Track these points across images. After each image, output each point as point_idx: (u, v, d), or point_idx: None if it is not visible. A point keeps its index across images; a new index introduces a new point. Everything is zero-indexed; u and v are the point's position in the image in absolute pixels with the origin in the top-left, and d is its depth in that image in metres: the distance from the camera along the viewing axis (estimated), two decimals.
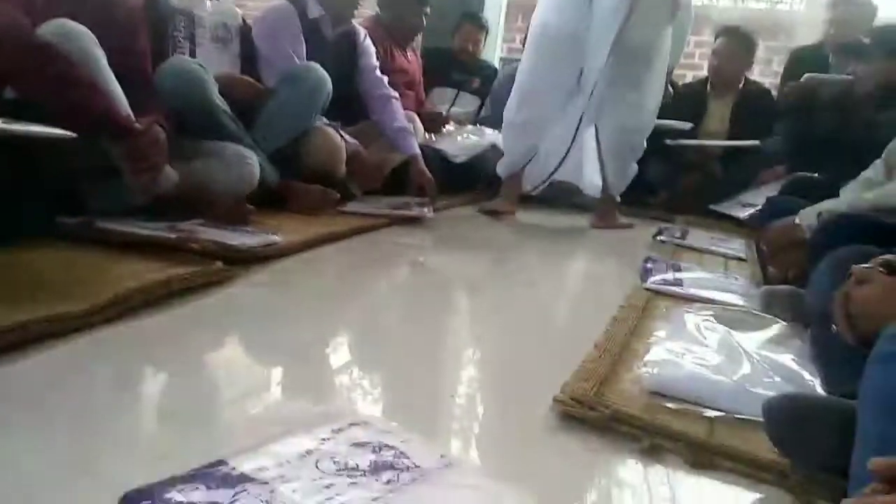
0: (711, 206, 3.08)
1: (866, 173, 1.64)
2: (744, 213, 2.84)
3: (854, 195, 1.61)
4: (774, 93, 3.48)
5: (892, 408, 0.64)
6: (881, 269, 1.06)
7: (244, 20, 2.46)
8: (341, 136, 2.43)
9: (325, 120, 2.43)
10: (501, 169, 2.79)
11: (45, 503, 0.67)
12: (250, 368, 1.11)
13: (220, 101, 2.05)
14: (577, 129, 2.63)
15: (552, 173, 2.75)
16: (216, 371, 1.10)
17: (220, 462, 0.71)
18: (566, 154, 2.67)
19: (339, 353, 1.23)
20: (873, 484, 0.55)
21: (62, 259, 1.37)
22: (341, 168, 2.39)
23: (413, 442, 0.80)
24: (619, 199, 2.79)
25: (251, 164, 1.98)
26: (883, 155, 1.62)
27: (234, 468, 0.70)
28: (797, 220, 1.62)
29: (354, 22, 2.69)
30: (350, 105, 2.69)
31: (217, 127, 2.03)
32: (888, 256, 1.09)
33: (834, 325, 1.01)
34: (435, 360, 1.24)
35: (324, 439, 0.78)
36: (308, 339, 1.25)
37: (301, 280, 1.61)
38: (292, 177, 2.28)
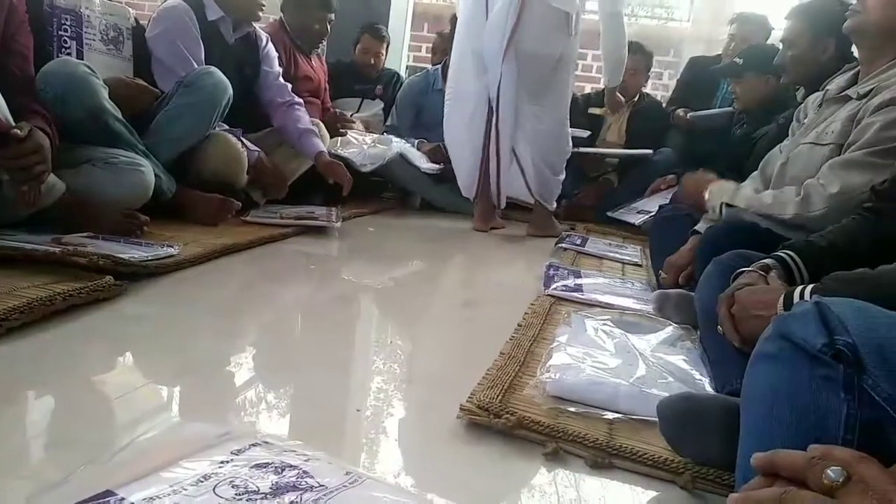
0: (609, 214, 3.21)
1: (746, 183, 1.75)
2: (638, 220, 2.98)
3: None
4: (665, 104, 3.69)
5: (770, 405, 0.69)
6: (761, 272, 1.15)
7: (137, 21, 2.35)
8: (243, 142, 2.36)
9: (225, 126, 2.35)
10: (463, 191, 2.82)
11: None
12: (142, 389, 1.05)
13: (110, 105, 1.94)
14: (497, 143, 2.64)
15: (498, 192, 2.75)
16: (105, 393, 1.03)
17: (108, 493, 0.66)
18: (498, 169, 2.68)
19: (240, 370, 1.19)
20: (755, 479, 0.58)
21: None
22: (242, 176, 2.32)
23: (317, 460, 0.78)
24: (552, 206, 2.84)
25: (144, 172, 1.89)
26: (759, 167, 1.74)
27: (122, 499, 0.66)
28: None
29: (257, 26, 2.62)
30: (252, 111, 2.61)
31: (107, 133, 1.93)
32: (766, 261, 1.17)
33: (719, 326, 1.08)
34: (340, 373, 1.22)
35: (222, 462, 0.75)
36: (206, 355, 1.20)
37: (199, 294, 1.54)
38: (191, 185, 2.19)
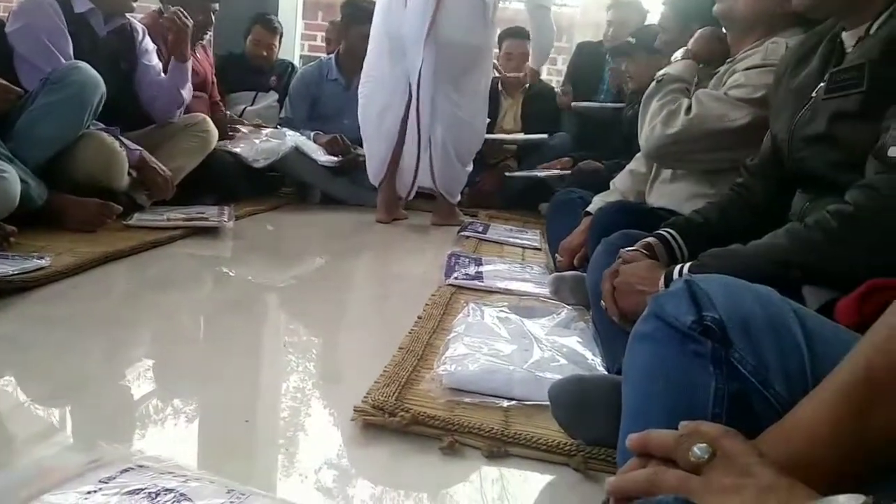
0: (508, 174, 3.27)
1: (631, 165, 1.81)
2: (542, 173, 3.05)
3: (621, 184, 1.78)
4: (558, 90, 3.77)
5: (646, 384, 0.70)
6: (644, 251, 1.18)
7: None
8: (121, 141, 2.21)
9: (101, 125, 2.19)
10: (371, 177, 2.77)
11: None
12: (4, 416, 0.96)
13: None
14: (417, 129, 2.60)
15: (413, 180, 2.71)
16: None
17: None
18: (418, 157, 2.65)
19: (117, 389, 1.10)
20: (631, 460, 0.59)
21: None
22: (122, 177, 2.17)
23: (197, 481, 0.74)
24: (456, 199, 2.84)
25: (8, 178, 1.73)
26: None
27: None
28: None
29: (132, 18, 2.46)
30: (131, 108, 2.46)
31: None
32: (649, 239, 1.21)
33: (602, 302, 1.10)
34: (229, 384, 1.16)
35: (89, 492, 0.69)
36: (78, 376, 1.10)
37: (73, 308, 1.43)
38: (65, 190, 2.03)
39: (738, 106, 1.39)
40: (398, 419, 0.96)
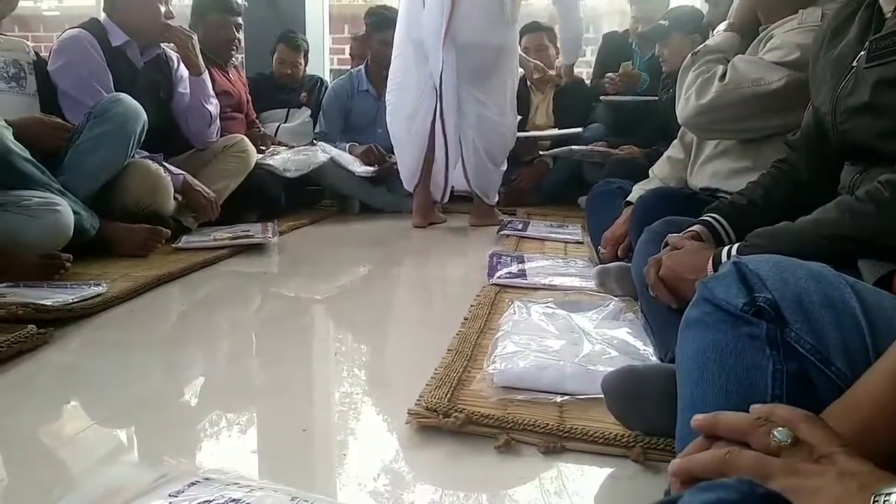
0: (543, 153, 3.26)
1: (669, 151, 1.78)
2: (578, 148, 3.02)
3: (660, 172, 1.75)
4: (588, 81, 3.74)
5: (700, 369, 0.69)
6: (689, 238, 1.16)
7: (37, 54, 2.25)
8: (165, 168, 2.28)
9: (144, 153, 2.27)
10: (405, 182, 2.80)
11: None
12: (75, 441, 1.00)
13: (16, 146, 1.85)
14: (444, 131, 2.60)
15: (445, 183, 2.72)
16: (36, 449, 0.98)
17: None
18: (446, 158, 2.65)
19: (177, 407, 1.14)
20: (694, 441, 0.58)
21: None
22: (168, 202, 2.24)
23: (261, 490, 0.76)
24: (493, 199, 2.84)
25: (62, 211, 1.80)
26: (678, 134, 1.77)
27: None
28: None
29: (166, 47, 2.54)
30: (172, 134, 2.54)
31: (16, 175, 1.83)
32: (694, 227, 1.19)
33: (651, 291, 1.08)
34: (285, 394, 1.18)
35: None
36: (139, 396, 1.14)
37: (131, 331, 1.47)
38: (116, 218, 2.11)
39: (773, 68, 1.35)
40: (452, 420, 0.96)
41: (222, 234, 2.28)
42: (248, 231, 2.35)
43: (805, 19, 1.34)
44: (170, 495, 0.74)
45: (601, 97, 3.34)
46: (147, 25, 2.35)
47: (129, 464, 0.93)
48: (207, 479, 0.79)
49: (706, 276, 0.91)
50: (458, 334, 1.37)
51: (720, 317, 0.71)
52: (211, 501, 0.73)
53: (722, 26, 1.58)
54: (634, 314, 1.36)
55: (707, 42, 1.55)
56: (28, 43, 2.24)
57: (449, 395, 1.05)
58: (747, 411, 0.55)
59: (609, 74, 3.24)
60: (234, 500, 0.73)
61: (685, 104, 1.46)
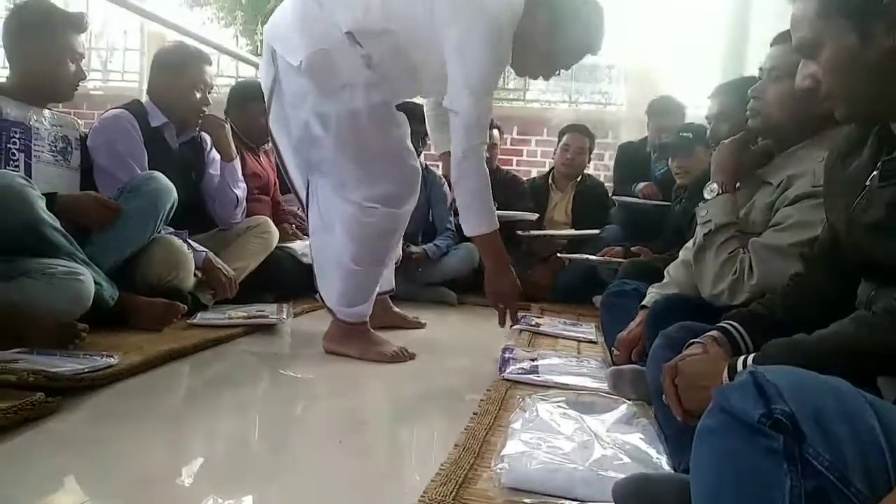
0: (561, 255, 3.25)
1: (682, 255, 1.80)
2: (594, 258, 3.02)
3: (675, 275, 1.76)
4: (608, 185, 3.83)
5: (715, 481, 0.68)
6: (706, 344, 1.15)
7: (85, 133, 2.36)
8: (189, 244, 2.33)
9: (170, 229, 2.33)
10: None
11: None
12: None
13: (48, 216, 1.91)
14: None
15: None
16: None
17: None
18: None
19: (176, 488, 1.11)
20: None
21: None
22: (189, 279, 2.28)
23: None
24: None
25: (83, 281, 1.84)
26: (694, 237, 1.78)
27: None
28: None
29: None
30: (199, 213, 2.61)
31: (44, 243, 1.88)
32: (712, 333, 1.18)
33: (663, 397, 1.07)
34: (288, 479, 1.16)
35: None
36: (147, 474, 1.12)
37: (139, 405, 1.47)
38: (136, 290, 2.14)
39: (797, 253, 1.36)
40: None
41: (237, 313, 2.30)
42: (263, 311, 2.37)
43: (818, 181, 1.34)
44: None
45: (615, 197, 3.41)
46: (183, 111, 2.47)
47: None
48: None
49: (722, 385, 0.90)
50: (466, 429, 1.34)
51: (736, 427, 0.70)
52: None
53: (708, 189, 1.60)
54: (648, 420, 1.33)
55: (708, 212, 1.55)
56: (78, 121, 2.36)
57: (454, 493, 1.02)
58: None
59: (643, 183, 3.32)
60: None
61: (716, 299, 1.48)
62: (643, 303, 1.80)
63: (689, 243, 1.77)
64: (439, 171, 3.56)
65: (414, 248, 3.17)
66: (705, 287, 1.52)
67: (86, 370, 1.48)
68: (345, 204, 1.99)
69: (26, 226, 1.84)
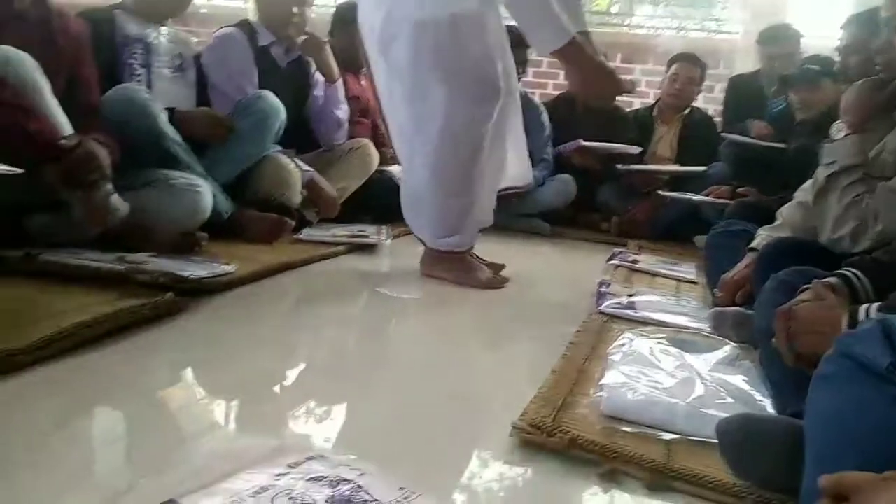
0: (661, 192, 3.15)
1: (798, 196, 1.71)
2: (697, 198, 2.92)
3: (789, 217, 1.68)
4: (717, 119, 3.63)
5: (836, 427, 0.66)
6: (824, 290, 1.11)
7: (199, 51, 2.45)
8: (296, 163, 2.42)
9: (279, 147, 2.41)
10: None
11: None
12: (203, 403, 1.08)
13: (170, 130, 2.03)
14: None
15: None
16: (167, 406, 1.07)
17: (171, 502, 0.68)
18: None
19: (294, 386, 1.21)
20: (822, 501, 0.56)
21: (5, 293, 1.32)
22: (296, 196, 2.37)
23: (371, 475, 0.79)
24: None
25: (202, 193, 1.95)
26: (811, 178, 1.68)
27: None
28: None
29: None
30: (304, 132, 2.68)
31: (166, 156, 2.01)
32: (831, 280, 1.13)
33: (773, 340, 1.04)
34: (392, 390, 1.23)
35: (279, 475, 0.76)
36: (262, 371, 1.23)
37: (254, 311, 1.58)
38: (247, 205, 2.26)
39: None
40: (556, 440, 0.96)
41: (340, 232, 2.39)
42: (364, 231, 2.45)
43: None
44: (288, 465, 0.79)
45: (723, 134, 3.23)
46: (276, 18, 2.49)
47: (250, 431, 1.00)
48: (322, 456, 0.83)
49: (843, 333, 0.87)
50: (563, 357, 1.36)
51: (861, 375, 0.68)
52: (325, 477, 0.77)
53: (835, 127, 1.51)
54: (752, 363, 1.31)
55: (833, 149, 1.47)
56: (193, 39, 2.44)
57: (553, 416, 1.05)
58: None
59: (757, 123, 3.12)
60: (345, 479, 0.77)
61: (835, 244, 1.41)
62: (752, 245, 1.73)
63: (807, 184, 1.68)
64: (536, 99, 3.48)
65: None
66: (825, 231, 1.45)
67: (207, 275, 1.59)
68: (426, 125, 1.86)
69: (150, 138, 1.96)
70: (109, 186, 1.64)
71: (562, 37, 1.69)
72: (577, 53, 1.73)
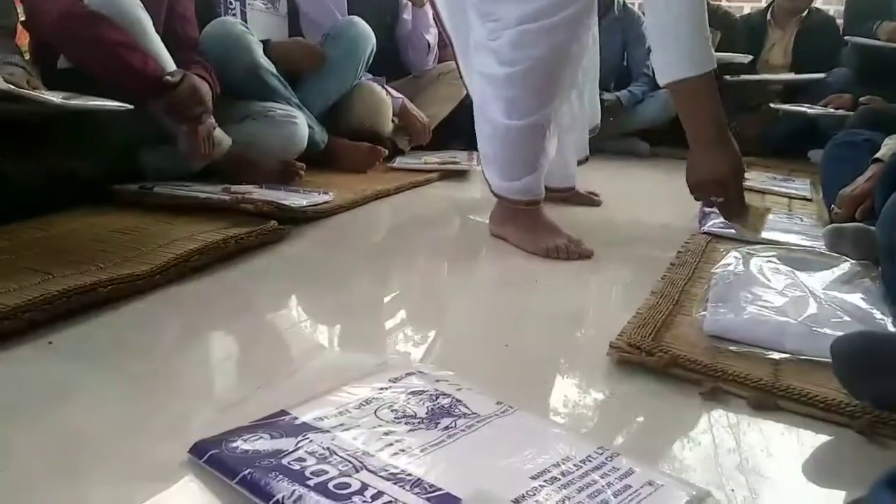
0: (773, 105, 2.93)
1: None
2: (813, 110, 2.70)
3: None
4: (840, 21, 3.29)
5: None
6: None
7: None
8: (387, 90, 2.42)
9: (369, 75, 2.41)
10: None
11: (117, 455, 0.70)
12: (307, 323, 1.13)
13: (265, 61, 2.06)
14: None
15: None
16: (275, 327, 1.12)
17: (283, 412, 0.73)
18: None
19: (393, 308, 1.25)
20: None
21: (122, 224, 1.42)
22: (388, 124, 2.38)
23: (469, 390, 0.81)
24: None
25: (299, 124, 1.99)
26: None
27: (295, 418, 0.72)
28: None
29: None
30: (394, 59, 2.66)
31: (264, 88, 2.05)
32: None
33: None
34: (489, 310, 1.24)
35: (381, 388, 0.79)
36: (362, 294, 1.27)
37: (353, 237, 1.63)
38: (340, 135, 2.29)
39: None
40: (656, 358, 0.94)
41: (432, 159, 2.39)
42: (455, 158, 2.43)
43: None
44: (390, 380, 0.82)
45: (848, 38, 2.93)
46: None
47: (353, 350, 1.04)
48: (421, 372, 0.85)
49: None
50: (663, 278, 1.32)
51: None
52: (425, 392, 0.79)
53: None
54: (872, 281, 1.22)
55: None
56: None
57: (653, 335, 1.02)
58: None
59: (888, 24, 2.81)
60: (444, 393, 0.79)
61: None
62: (877, 155, 1.59)
63: None
64: (636, 8, 3.27)
65: (606, 96, 3.01)
66: None
67: (308, 204, 1.64)
68: (486, 38, 1.48)
69: (247, 71, 2.00)
70: (212, 120, 1.71)
71: (701, 64, 1.27)
72: (708, 93, 1.31)
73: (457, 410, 0.75)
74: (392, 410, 0.74)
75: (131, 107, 1.44)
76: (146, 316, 1.07)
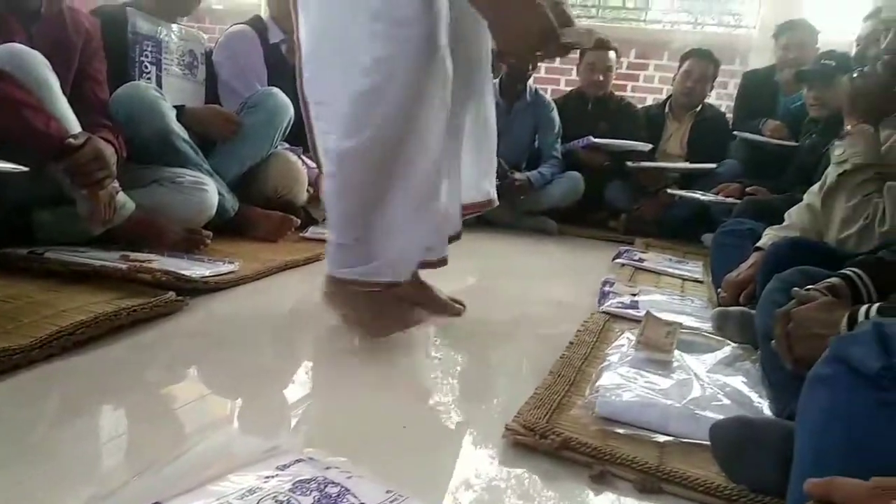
0: (670, 191, 3.11)
1: (807, 198, 1.69)
2: (706, 197, 2.88)
3: (797, 217, 1.66)
4: (729, 116, 3.59)
5: (825, 430, 0.66)
6: (825, 292, 1.09)
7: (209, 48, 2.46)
8: (303, 160, 2.43)
9: (286, 145, 2.42)
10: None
11: None
12: (200, 403, 1.09)
13: (177, 127, 2.04)
14: None
15: None
16: (162, 406, 1.07)
17: None
18: None
19: (291, 386, 1.21)
20: None
21: (4, 293, 1.33)
22: (302, 193, 2.38)
23: (360, 478, 0.79)
24: None
25: (208, 191, 1.96)
26: (821, 179, 1.67)
27: None
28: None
29: None
30: None
31: (174, 153, 2.02)
32: (833, 280, 1.12)
33: (773, 342, 1.03)
34: (389, 390, 1.23)
35: (267, 477, 0.77)
36: (259, 371, 1.23)
37: (256, 309, 1.59)
38: (253, 203, 2.27)
39: None
40: (549, 442, 0.96)
41: None
42: None
43: None
44: (277, 467, 0.79)
45: (735, 132, 3.21)
46: (288, 23, 2.48)
47: (245, 432, 1.00)
48: (311, 458, 0.83)
49: (840, 334, 0.86)
50: (561, 357, 1.35)
51: (852, 379, 0.67)
52: (313, 480, 0.77)
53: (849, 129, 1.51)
54: (752, 364, 1.29)
55: (846, 151, 1.46)
56: (204, 36, 2.46)
57: (548, 417, 1.04)
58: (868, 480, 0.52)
59: (771, 122, 3.10)
60: (333, 482, 0.77)
61: (841, 244, 1.42)
62: (758, 244, 1.72)
63: (815, 187, 1.66)
64: (548, 96, 3.46)
65: (518, 175, 3.14)
66: (832, 231, 1.43)
67: (211, 274, 1.60)
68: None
69: (158, 136, 1.97)
70: (115, 184, 1.66)
71: None
72: None
73: (344, 501, 0.74)
74: (276, 502, 0.72)
75: (26, 169, 1.38)
76: (22, 394, 1.00)
